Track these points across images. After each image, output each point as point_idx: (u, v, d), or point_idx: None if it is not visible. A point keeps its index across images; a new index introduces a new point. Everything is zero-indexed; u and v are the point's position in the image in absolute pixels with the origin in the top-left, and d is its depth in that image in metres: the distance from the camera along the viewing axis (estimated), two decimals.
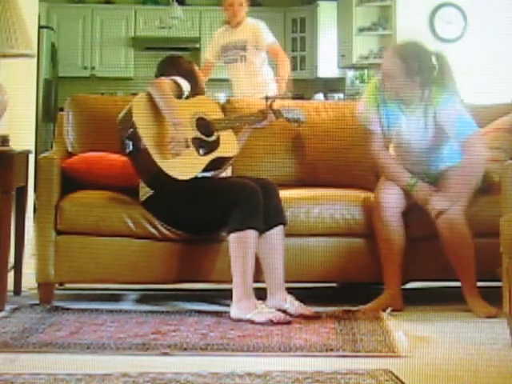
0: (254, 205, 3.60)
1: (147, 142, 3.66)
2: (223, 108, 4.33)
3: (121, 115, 3.80)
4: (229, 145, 3.89)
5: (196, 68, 4.15)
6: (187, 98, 3.90)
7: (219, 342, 3.17)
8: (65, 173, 3.94)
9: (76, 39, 9.97)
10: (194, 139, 3.77)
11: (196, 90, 3.99)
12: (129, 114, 3.75)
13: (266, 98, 4.05)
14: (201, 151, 3.77)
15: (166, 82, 3.83)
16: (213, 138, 3.84)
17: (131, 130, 3.70)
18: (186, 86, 3.90)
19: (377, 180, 4.02)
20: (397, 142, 3.98)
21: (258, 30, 5.99)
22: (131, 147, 3.72)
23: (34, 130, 5.88)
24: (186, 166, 3.69)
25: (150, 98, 3.76)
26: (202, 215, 3.72)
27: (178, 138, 3.69)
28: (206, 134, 3.83)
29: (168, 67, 4.08)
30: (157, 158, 3.64)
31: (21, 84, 4.79)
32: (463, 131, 3.81)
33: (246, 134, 4.03)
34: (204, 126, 3.84)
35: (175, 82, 3.85)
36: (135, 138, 3.69)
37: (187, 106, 3.84)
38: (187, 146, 3.73)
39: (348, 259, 3.91)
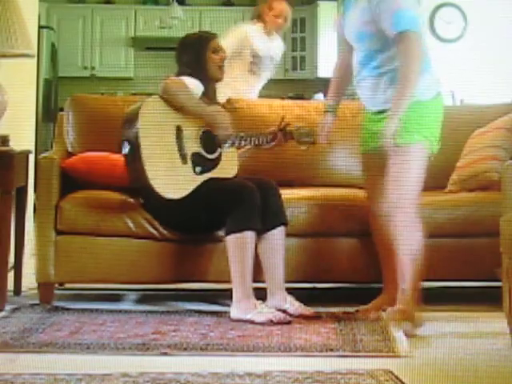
0: (251, 205, 3.58)
1: (144, 152, 3.59)
2: (223, 107, 4.31)
3: (128, 111, 3.73)
4: (228, 166, 3.80)
5: (209, 51, 3.86)
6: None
7: (219, 341, 3.17)
8: (65, 173, 3.94)
9: (76, 39, 9.97)
10: (194, 155, 3.71)
11: (206, 81, 3.84)
12: (135, 113, 3.66)
13: (282, 120, 3.91)
14: (197, 169, 3.69)
15: (176, 81, 3.75)
16: (214, 155, 3.77)
17: (132, 133, 3.64)
18: (196, 87, 3.78)
19: None
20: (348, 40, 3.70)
21: (280, 55, 5.83)
22: (127, 150, 3.68)
23: (34, 130, 5.88)
24: (177, 183, 3.62)
25: (159, 104, 3.68)
26: (200, 216, 3.70)
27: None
28: (208, 149, 3.76)
29: (179, 57, 3.93)
30: (149, 170, 3.58)
31: (21, 84, 4.79)
32: (399, 23, 3.42)
33: (249, 151, 3.97)
34: (209, 140, 3.77)
35: (185, 85, 3.74)
36: (134, 143, 3.63)
37: (196, 117, 3.76)
38: (185, 162, 3.69)
39: (348, 259, 3.91)
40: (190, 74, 3.81)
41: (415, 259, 3.43)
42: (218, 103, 3.96)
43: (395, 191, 3.45)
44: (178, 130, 3.71)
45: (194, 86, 3.79)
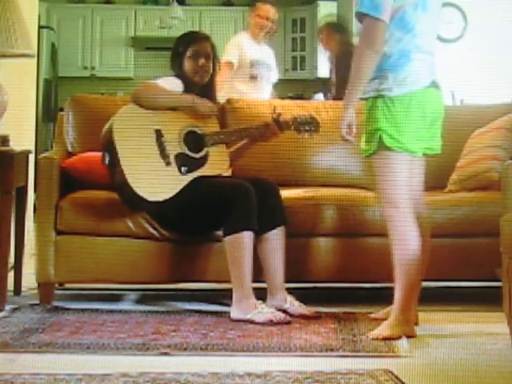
0: (247, 205, 3.57)
1: (123, 159, 3.62)
2: (223, 108, 4.31)
3: (104, 129, 3.74)
4: (217, 162, 3.77)
5: (186, 56, 3.84)
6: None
7: (219, 342, 3.17)
8: (65, 173, 3.94)
9: (76, 39, 9.98)
10: (178, 155, 3.70)
11: (189, 83, 3.83)
12: (109, 131, 3.68)
13: (274, 109, 3.85)
14: (183, 169, 3.68)
15: (149, 85, 3.76)
16: (201, 154, 3.75)
17: (111, 147, 3.65)
18: (173, 87, 3.79)
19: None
20: None
21: (274, 61, 5.77)
22: (107, 161, 3.70)
23: (34, 130, 5.88)
24: (162, 186, 3.62)
25: (132, 113, 3.70)
26: (197, 216, 3.69)
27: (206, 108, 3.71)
28: (194, 149, 3.74)
29: (171, 56, 3.95)
30: (131, 180, 3.60)
31: (21, 84, 4.79)
32: (361, 3, 3.26)
33: (246, 148, 3.91)
34: (194, 140, 3.75)
35: (159, 86, 3.74)
36: (112, 152, 3.65)
37: (177, 118, 3.75)
38: (168, 164, 3.69)
39: (348, 259, 3.91)
40: (175, 75, 3.86)
41: (408, 264, 3.29)
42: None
43: (379, 195, 3.40)
44: (158, 133, 3.70)
45: (171, 85, 3.78)
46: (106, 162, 3.71)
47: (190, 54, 3.85)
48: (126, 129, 3.68)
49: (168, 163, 3.68)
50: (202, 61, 3.84)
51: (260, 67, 5.58)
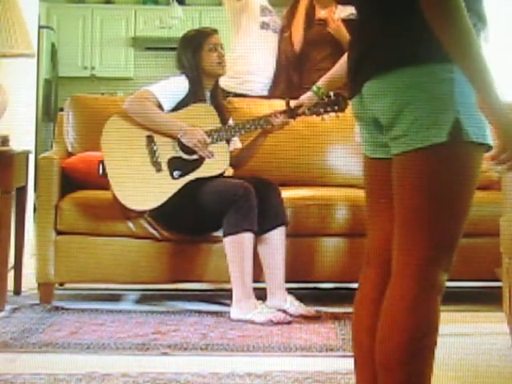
0: (247, 206, 3.56)
1: (109, 167, 3.64)
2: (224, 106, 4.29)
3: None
4: (215, 163, 3.72)
5: (205, 49, 3.80)
6: (186, 98, 3.84)
7: (219, 342, 3.17)
8: (65, 173, 3.94)
9: (76, 39, 9.96)
10: (171, 160, 3.69)
11: (203, 78, 3.82)
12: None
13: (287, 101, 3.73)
14: (175, 174, 3.68)
15: (144, 96, 3.73)
16: (195, 156, 3.70)
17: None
18: (180, 87, 3.80)
19: None
20: None
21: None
22: (101, 172, 3.70)
23: (34, 130, 5.88)
24: (150, 194, 3.62)
25: (120, 124, 3.70)
26: (196, 216, 3.69)
27: (197, 141, 3.64)
28: (189, 151, 3.71)
29: (178, 55, 3.89)
30: (116, 186, 3.62)
31: (21, 84, 4.79)
32: None
33: (258, 141, 3.84)
34: None
35: (153, 96, 3.72)
36: (103, 165, 3.68)
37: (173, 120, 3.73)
38: (159, 170, 3.68)
39: (348, 259, 3.91)
40: (185, 73, 3.82)
41: None
42: (219, 100, 3.93)
43: None
44: (149, 139, 3.71)
45: (177, 86, 3.77)
46: (100, 172, 3.71)
47: (209, 48, 3.83)
48: (114, 141, 3.69)
49: (159, 170, 3.67)
50: (222, 51, 3.84)
51: (267, 14, 4.95)
